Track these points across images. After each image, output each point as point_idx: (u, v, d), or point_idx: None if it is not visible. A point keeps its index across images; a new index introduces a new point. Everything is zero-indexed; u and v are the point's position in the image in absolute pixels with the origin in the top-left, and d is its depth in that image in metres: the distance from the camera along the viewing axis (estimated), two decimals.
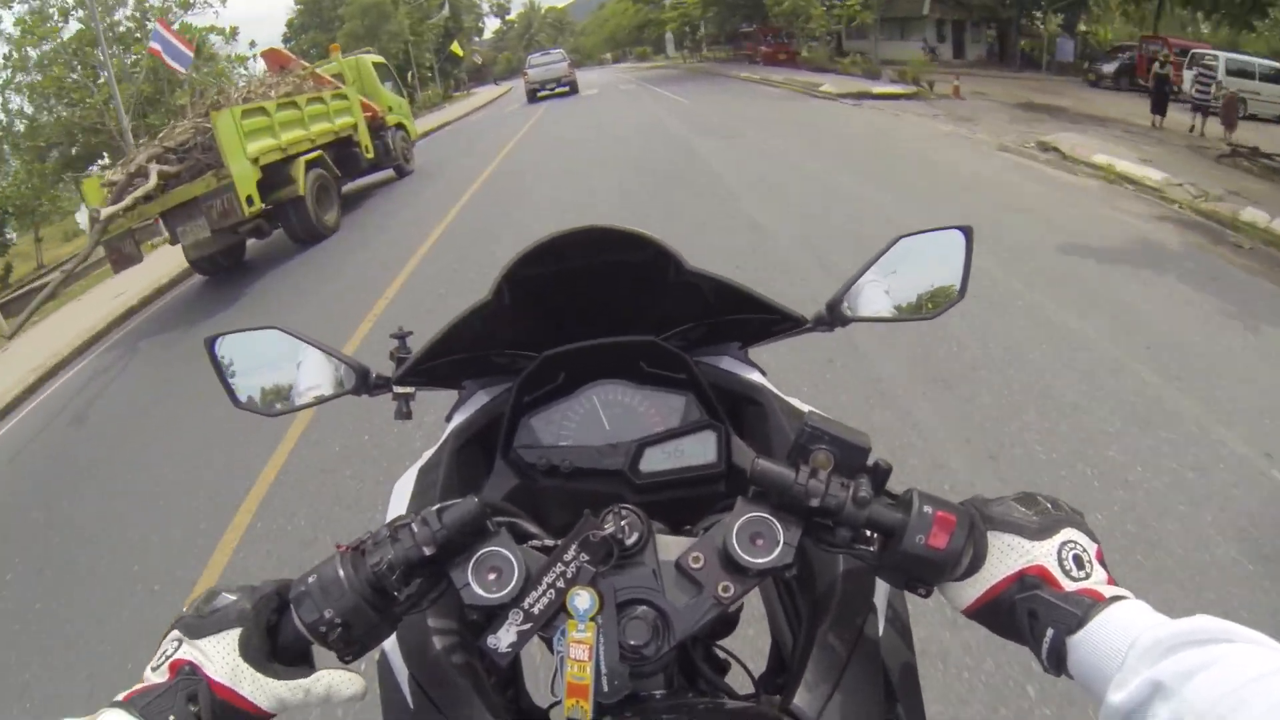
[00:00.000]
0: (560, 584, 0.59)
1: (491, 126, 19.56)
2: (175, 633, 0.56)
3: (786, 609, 0.86)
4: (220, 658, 0.55)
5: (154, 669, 0.55)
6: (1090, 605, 0.52)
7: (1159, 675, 0.44)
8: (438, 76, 37.43)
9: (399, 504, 0.83)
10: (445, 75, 43.61)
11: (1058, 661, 0.54)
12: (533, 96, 24.39)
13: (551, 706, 0.83)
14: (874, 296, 0.91)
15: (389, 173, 12.21)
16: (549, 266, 0.78)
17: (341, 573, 0.57)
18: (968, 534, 0.57)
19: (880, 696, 0.64)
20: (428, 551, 0.58)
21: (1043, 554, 0.56)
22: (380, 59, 12.72)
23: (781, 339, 0.97)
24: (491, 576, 0.59)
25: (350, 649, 0.58)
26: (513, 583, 0.59)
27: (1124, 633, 0.49)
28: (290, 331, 0.87)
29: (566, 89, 24.42)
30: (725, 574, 0.61)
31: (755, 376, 0.93)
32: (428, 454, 0.88)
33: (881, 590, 0.72)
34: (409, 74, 28.24)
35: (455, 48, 36.71)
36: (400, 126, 12.40)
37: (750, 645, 1.30)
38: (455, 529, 0.58)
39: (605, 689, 0.58)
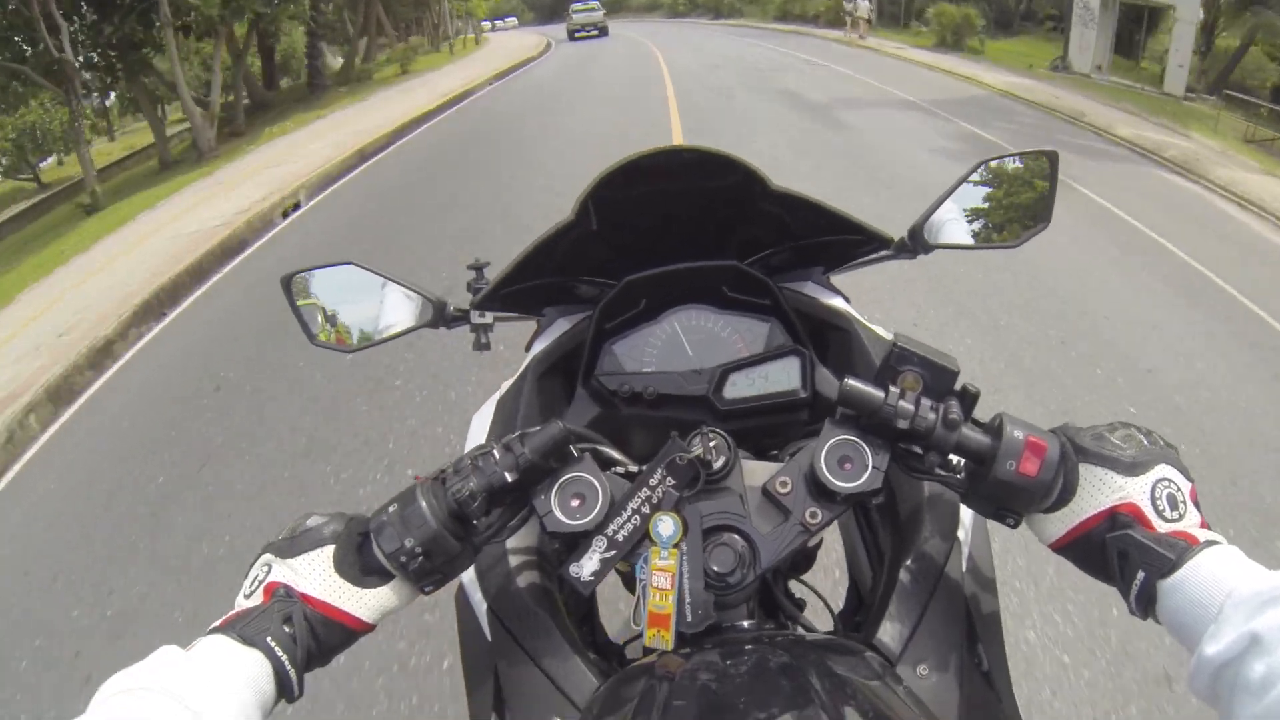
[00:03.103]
0: (645, 509, 0.58)
1: None
2: (266, 556, 0.57)
3: (867, 545, 0.85)
4: (315, 575, 0.55)
5: (247, 595, 0.56)
6: (1184, 549, 0.50)
7: (1257, 628, 0.43)
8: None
9: (478, 435, 0.83)
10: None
11: (1146, 605, 0.52)
12: (571, 36, 28.40)
13: (628, 642, 0.83)
14: (957, 223, 0.87)
15: None
16: (632, 189, 0.76)
17: (423, 502, 0.56)
18: (1059, 462, 0.55)
19: (961, 636, 0.62)
20: (510, 478, 0.57)
21: (1136, 491, 0.54)
22: None
23: (865, 265, 0.94)
24: (575, 503, 0.59)
25: (430, 579, 0.58)
26: (597, 509, 0.58)
27: (1219, 581, 0.47)
28: (365, 266, 0.87)
29: (596, 33, 28.36)
30: (812, 499, 0.60)
31: (839, 302, 0.90)
32: (506, 384, 0.88)
33: (965, 525, 0.70)
34: None
35: None
36: None
37: (828, 586, 1.28)
38: (539, 454, 0.58)
39: (689, 618, 0.58)
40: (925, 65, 14.50)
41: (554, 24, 42.62)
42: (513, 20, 53.09)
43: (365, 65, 19.16)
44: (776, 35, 22.11)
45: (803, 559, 0.85)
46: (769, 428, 0.83)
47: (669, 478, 0.58)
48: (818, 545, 0.86)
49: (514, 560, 0.71)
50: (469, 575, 0.72)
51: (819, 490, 0.59)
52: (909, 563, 0.65)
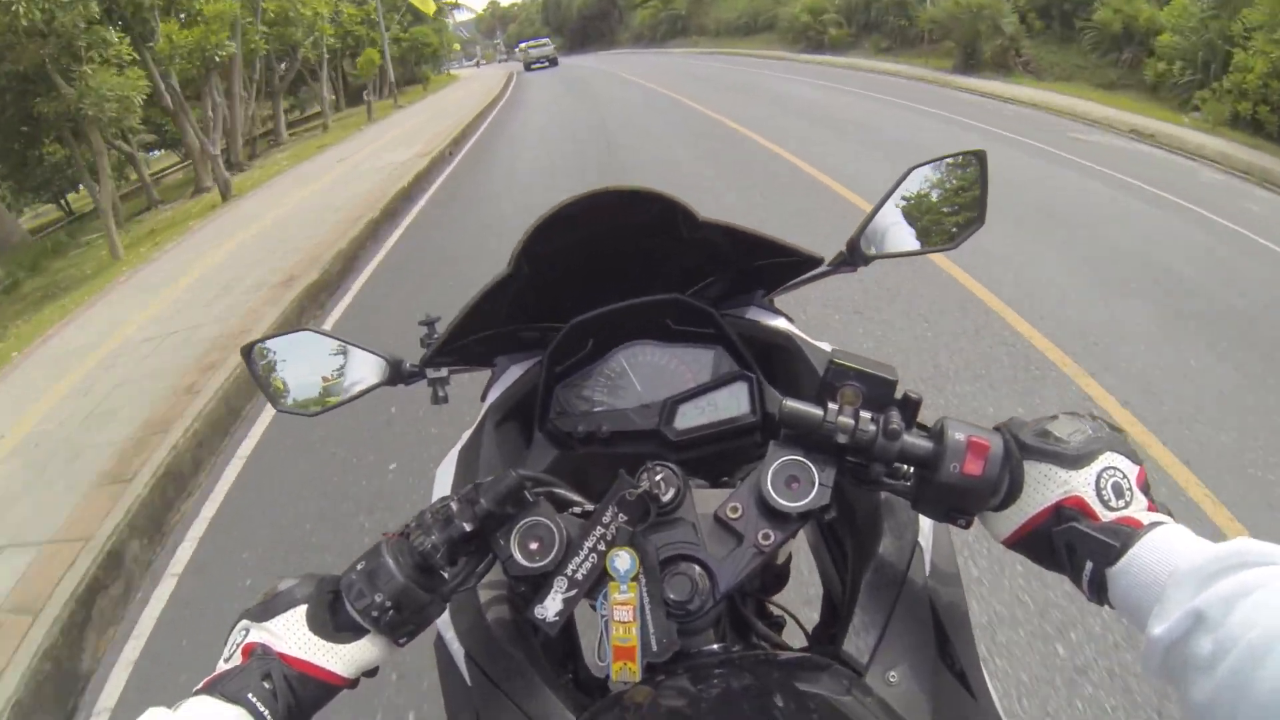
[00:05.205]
0: (600, 547, 0.59)
1: None
2: (242, 622, 0.59)
3: (834, 557, 0.85)
4: (290, 634, 0.57)
5: (226, 660, 0.57)
6: (1129, 534, 0.51)
7: (1200, 605, 0.43)
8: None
9: (442, 487, 0.84)
10: None
11: (1099, 592, 0.53)
12: (528, 67, 32.59)
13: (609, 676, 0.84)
14: (894, 231, 0.89)
15: None
16: (566, 236, 0.78)
17: (388, 558, 0.58)
18: (1003, 459, 0.56)
19: (930, 635, 0.63)
20: (469, 528, 0.59)
21: (1080, 483, 0.55)
22: None
23: (804, 283, 0.95)
24: (534, 546, 0.60)
25: (403, 630, 0.60)
26: (554, 550, 0.60)
27: (1162, 562, 0.48)
28: (321, 331, 0.89)
29: (546, 64, 32.59)
30: (764, 521, 0.61)
31: (781, 323, 0.91)
32: (466, 434, 0.89)
33: (925, 528, 0.71)
34: None
35: None
36: None
37: (809, 602, 1.29)
38: (495, 502, 0.59)
39: (654, 648, 0.59)
40: None
41: (580, 53, 43.34)
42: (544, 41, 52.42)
43: None
44: None
45: (773, 579, 0.86)
46: (725, 453, 0.84)
47: (620, 514, 0.60)
48: (788, 565, 0.86)
49: (487, 603, 0.72)
50: (445, 624, 0.72)
51: (769, 512, 0.61)
52: (871, 571, 0.66)
